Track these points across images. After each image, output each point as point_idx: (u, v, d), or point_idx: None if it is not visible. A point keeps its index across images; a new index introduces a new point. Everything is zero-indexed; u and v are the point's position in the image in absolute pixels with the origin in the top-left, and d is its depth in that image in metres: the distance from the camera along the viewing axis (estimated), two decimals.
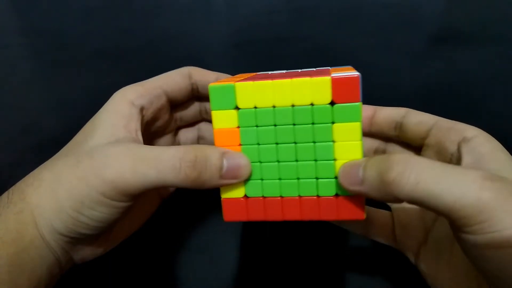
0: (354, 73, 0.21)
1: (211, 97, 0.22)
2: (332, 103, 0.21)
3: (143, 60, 0.34)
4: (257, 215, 0.23)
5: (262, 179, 0.22)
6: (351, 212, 0.22)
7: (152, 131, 0.28)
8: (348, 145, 0.21)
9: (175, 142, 0.30)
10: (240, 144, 0.22)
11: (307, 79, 0.21)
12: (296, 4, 0.33)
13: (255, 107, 0.22)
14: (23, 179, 0.23)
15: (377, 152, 0.28)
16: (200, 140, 0.31)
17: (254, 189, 0.23)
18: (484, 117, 0.33)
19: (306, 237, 0.34)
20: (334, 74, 0.21)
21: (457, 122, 0.24)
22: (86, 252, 0.24)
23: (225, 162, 0.22)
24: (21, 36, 0.33)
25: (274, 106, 0.21)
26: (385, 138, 0.28)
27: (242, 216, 0.23)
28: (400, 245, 0.25)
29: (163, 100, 0.26)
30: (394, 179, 0.18)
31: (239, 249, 0.35)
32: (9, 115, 0.34)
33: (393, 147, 0.27)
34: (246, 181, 0.23)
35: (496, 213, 0.17)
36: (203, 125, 0.31)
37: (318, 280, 0.35)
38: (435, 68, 0.33)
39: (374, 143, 0.28)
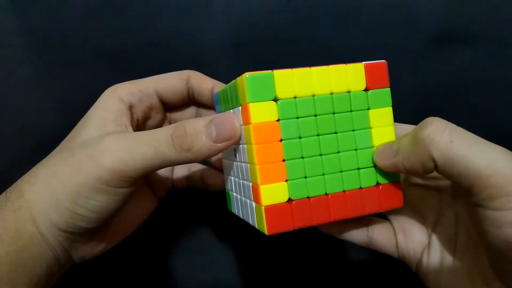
0: (381, 60, 0.22)
1: (248, 87, 0.20)
2: (366, 90, 0.22)
3: (143, 60, 0.34)
4: (303, 221, 0.21)
5: (306, 177, 0.21)
6: (391, 201, 0.22)
7: (145, 130, 0.28)
8: (383, 131, 0.22)
9: None
10: (281, 140, 0.20)
11: (343, 65, 0.21)
12: (296, 4, 0.33)
13: (295, 97, 0.21)
14: (20, 178, 0.23)
15: None
16: None
17: (298, 189, 0.21)
18: (484, 117, 0.33)
19: (307, 237, 0.34)
20: (365, 62, 0.21)
21: None
22: (85, 250, 0.24)
23: (213, 127, 0.21)
24: (21, 36, 0.33)
25: (313, 95, 0.21)
26: None
27: (287, 225, 0.20)
28: (402, 252, 0.25)
29: (153, 100, 0.26)
30: (429, 135, 0.19)
31: (239, 250, 0.35)
32: (9, 115, 0.34)
33: None
34: (289, 181, 0.20)
35: None
36: None
37: (317, 280, 0.35)
38: (435, 68, 0.33)
39: None
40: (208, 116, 0.22)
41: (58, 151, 0.24)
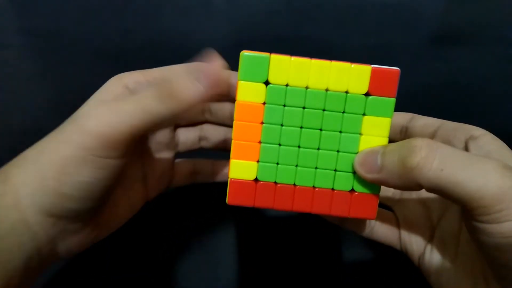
0: (394, 67, 0.20)
1: (242, 65, 0.20)
2: (367, 94, 0.21)
3: (143, 60, 0.34)
4: (265, 202, 0.21)
5: (278, 163, 0.21)
6: (363, 211, 0.22)
7: None
8: (374, 140, 0.21)
9: (173, 141, 0.29)
10: (263, 122, 0.21)
11: (348, 64, 0.20)
12: (296, 4, 0.33)
13: (287, 85, 0.20)
14: (9, 162, 0.22)
15: None
16: (202, 140, 0.30)
17: (267, 172, 0.21)
18: (484, 117, 0.33)
19: (307, 237, 0.34)
20: (375, 65, 0.20)
21: (462, 124, 0.24)
22: (73, 240, 0.23)
23: (196, 72, 0.21)
24: (21, 36, 0.33)
25: (307, 87, 0.21)
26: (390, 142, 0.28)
27: (248, 201, 0.21)
28: (404, 244, 0.25)
29: None
30: (418, 164, 0.18)
31: (239, 249, 0.35)
32: (9, 115, 0.34)
33: None
34: (260, 162, 0.21)
35: None
36: (206, 126, 0.30)
37: (318, 280, 0.35)
38: (435, 68, 0.33)
39: None
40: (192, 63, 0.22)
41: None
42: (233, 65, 0.35)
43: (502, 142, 0.22)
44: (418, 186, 0.19)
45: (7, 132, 0.34)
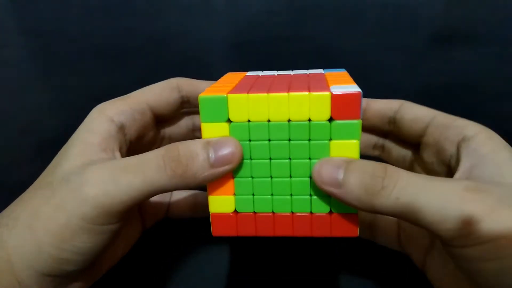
0: (355, 89, 0.19)
1: (201, 109, 0.20)
2: (330, 119, 0.20)
3: (143, 60, 0.34)
4: (247, 231, 0.22)
5: (253, 195, 0.21)
6: (344, 229, 0.21)
7: (137, 151, 0.25)
8: None
9: None
10: None
11: (306, 94, 0.19)
12: (296, 4, 0.33)
13: (249, 121, 0.20)
14: None
15: (375, 147, 0.27)
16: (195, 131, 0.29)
17: (244, 204, 0.21)
18: (484, 117, 0.33)
19: (305, 239, 0.34)
20: (334, 89, 0.19)
21: (456, 117, 0.23)
22: None
23: (211, 150, 0.20)
24: (21, 36, 0.33)
25: (269, 120, 0.20)
26: (382, 132, 0.26)
27: (231, 232, 0.22)
28: (407, 249, 0.25)
29: (147, 116, 0.24)
30: (379, 192, 0.18)
31: (238, 250, 0.35)
32: (9, 115, 0.34)
33: (391, 145, 0.27)
34: (236, 195, 0.21)
35: (482, 224, 0.16)
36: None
37: (317, 281, 0.35)
38: (435, 68, 0.33)
39: (372, 138, 0.27)
40: (205, 139, 0.20)
41: (38, 186, 0.21)
42: (233, 65, 0.35)
43: (500, 139, 0.21)
44: (375, 211, 0.18)
45: (7, 132, 0.34)
